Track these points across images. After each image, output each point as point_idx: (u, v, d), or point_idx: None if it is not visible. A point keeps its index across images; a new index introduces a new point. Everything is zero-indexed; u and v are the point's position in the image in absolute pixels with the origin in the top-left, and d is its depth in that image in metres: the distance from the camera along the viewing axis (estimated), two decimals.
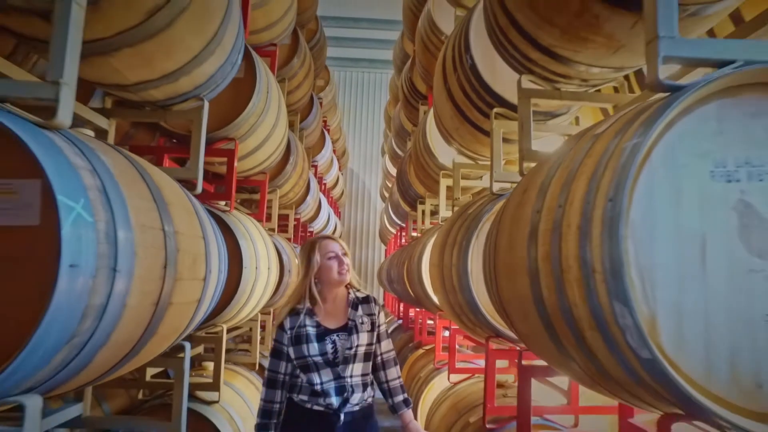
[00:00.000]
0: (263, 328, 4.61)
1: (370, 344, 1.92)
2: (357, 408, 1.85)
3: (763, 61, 1.13)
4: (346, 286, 1.98)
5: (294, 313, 1.89)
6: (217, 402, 3.00)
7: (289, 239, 5.72)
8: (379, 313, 1.99)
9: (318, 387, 1.81)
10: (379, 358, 1.98)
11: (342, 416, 1.80)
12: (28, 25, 1.51)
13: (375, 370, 1.98)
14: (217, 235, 2.27)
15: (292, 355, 1.85)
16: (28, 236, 1.21)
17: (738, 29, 1.62)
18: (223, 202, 3.44)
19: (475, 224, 2.52)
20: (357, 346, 1.86)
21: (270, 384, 1.88)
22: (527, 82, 2.27)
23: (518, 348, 2.32)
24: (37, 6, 1.37)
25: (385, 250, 12.72)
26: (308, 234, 8.22)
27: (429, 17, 4.71)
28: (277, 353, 1.89)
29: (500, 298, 1.81)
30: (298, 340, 1.84)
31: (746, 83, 1.12)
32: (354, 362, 1.85)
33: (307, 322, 1.86)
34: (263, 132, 3.38)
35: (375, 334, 1.94)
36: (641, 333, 1.02)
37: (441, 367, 4.23)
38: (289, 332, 1.86)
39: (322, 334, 1.85)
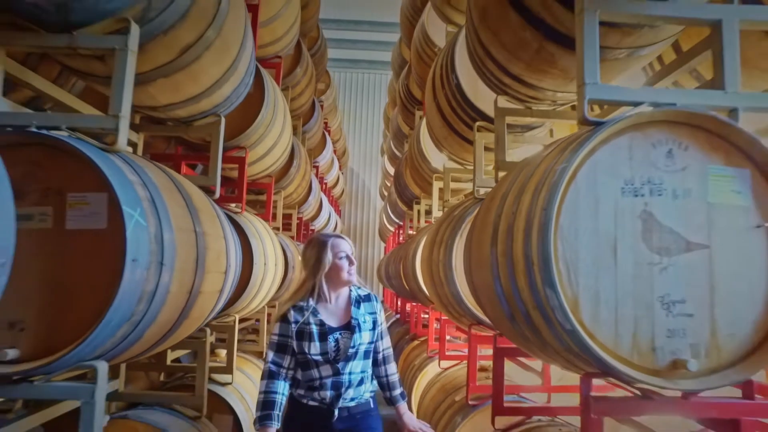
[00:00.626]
0: (269, 321, 4.96)
1: (371, 342, 1.93)
2: (353, 404, 1.87)
3: (663, 104, 1.48)
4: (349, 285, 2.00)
5: (298, 308, 1.89)
6: (230, 383, 3.35)
7: (292, 237, 6.06)
8: (380, 311, 2.01)
9: (316, 382, 1.84)
10: (380, 354, 2.02)
11: (336, 411, 1.82)
12: (87, 65, 1.86)
13: (375, 365, 2.01)
14: (233, 235, 2.62)
15: (295, 350, 1.86)
16: (98, 237, 1.55)
17: (655, 74, 1.96)
18: (233, 204, 3.78)
19: (459, 225, 2.86)
20: (359, 344, 1.87)
21: (271, 376, 1.86)
22: (503, 102, 2.61)
23: (494, 333, 2.66)
24: (99, 52, 1.71)
25: (385, 248, 13.06)
26: (310, 232, 8.55)
27: (423, 30, 5.04)
28: (281, 347, 1.88)
29: (474, 288, 2.16)
30: (301, 336, 1.85)
31: (650, 120, 1.47)
32: (354, 360, 1.86)
33: (311, 319, 1.87)
34: (270, 140, 3.73)
35: (377, 332, 1.97)
36: (565, 311, 1.37)
37: (433, 356, 4.58)
38: (293, 326, 1.86)
39: (325, 332, 1.86)
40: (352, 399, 1.87)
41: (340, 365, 1.84)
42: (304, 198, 6.57)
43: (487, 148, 3.11)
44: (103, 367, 1.59)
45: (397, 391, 2.06)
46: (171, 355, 3.20)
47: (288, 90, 5.42)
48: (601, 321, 1.41)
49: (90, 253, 1.56)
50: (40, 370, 1.49)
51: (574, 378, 2.02)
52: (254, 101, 3.41)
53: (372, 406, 1.94)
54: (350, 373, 1.86)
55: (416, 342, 5.74)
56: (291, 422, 1.89)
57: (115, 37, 1.68)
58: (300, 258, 5.60)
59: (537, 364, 3.08)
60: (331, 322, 1.89)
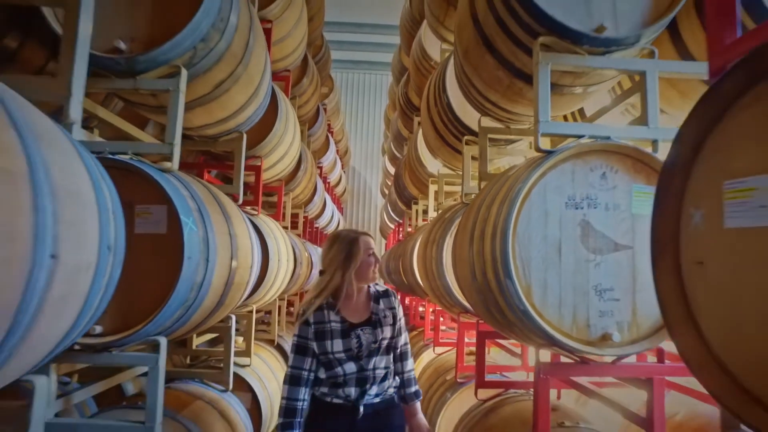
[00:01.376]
0: (280, 312, 5.42)
1: (392, 337, 1.94)
2: (377, 399, 1.87)
3: (599, 136, 1.91)
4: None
5: (317, 307, 1.89)
6: (248, 365, 3.80)
7: (299, 235, 6.50)
8: (398, 306, 2.01)
9: (339, 379, 1.83)
10: (398, 350, 2.02)
11: (361, 408, 1.82)
12: (142, 98, 2.29)
13: (393, 361, 2.00)
14: (254, 235, 3.05)
15: (316, 350, 1.85)
16: (160, 239, 1.99)
17: (596, 112, 2.39)
18: (248, 207, 4.22)
19: (448, 226, 3.30)
20: (381, 339, 1.89)
21: (293, 381, 1.86)
22: (486, 121, 3.04)
23: (477, 319, 3.11)
24: (155, 92, 2.14)
25: (385, 244, 13.50)
26: (314, 229, 8.98)
27: (420, 44, 5.46)
28: (301, 350, 1.87)
29: (458, 280, 2.60)
30: (322, 335, 1.84)
31: (588, 150, 1.90)
32: (377, 355, 1.87)
33: (332, 317, 1.86)
34: (283, 149, 4.16)
35: (396, 327, 1.98)
36: (520, 296, 1.81)
37: (429, 344, 5.03)
38: (313, 327, 1.86)
39: (347, 329, 1.86)
40: (377, 395, 1.87)
41: (363, 361, 1.84)
42: (310, 198, 7.01)
43: (474, 158, 3.53)
44: (163, 341, 2.03)
45: (412, 389, 2.04)
46: (196, 341, 3.65)
47: (295, 99, 5.84)
48: (548, 304, 1.85)
49: (154, 252, 1.99)
50: (118, 343, 1.93)
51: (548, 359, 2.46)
52: (269, 116, 3.84)
53: (396, 401, 1.96)
54: (374, 369, 1.86)
55: (414, 332, 6.19)
56: (314, 421, 1.87)
57: (169, 80, 2.11)
58: (306, 254, 6.06)
59: (519, 350, 3.53)
60: (353, 318, 1.89)
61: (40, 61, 2.44)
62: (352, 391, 1.82)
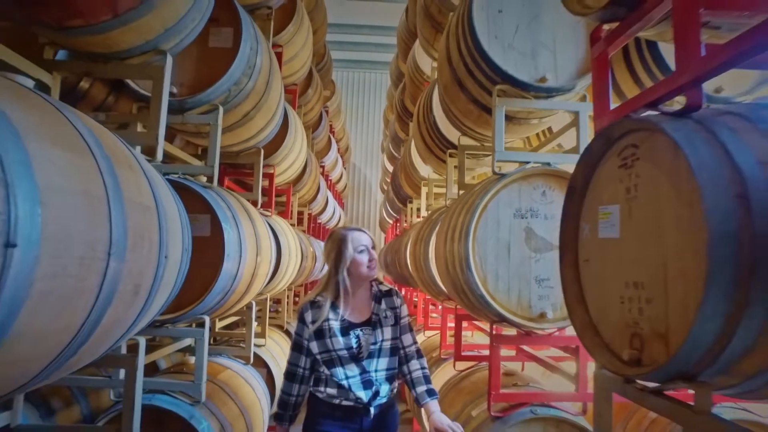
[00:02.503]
0: (287, 301, 6.05)
1: (395, 338, 1.91)
2: (385, 400, 1.87)
3: (541, 162, 2.50)
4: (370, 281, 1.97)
5: (316, 306, 1.87)
6: (264, 345, 4.42)
7: (304, 231, 7.12)
8: (401, 306, 1.98)
9: (344, 382, 1.80)
10: (402, 351, 1.96)
11: (372, 410, 1.81)
12: (185, 128, 2.89)
13: (398, 363, 1.96)
14: (270, 234, 3.66)
15: (315, 350, 1.84)
16: (205, 241, 2.59)
17: (546, 139, 2.98)
18: (263, 208, 4.82)
19: (434, 227, 3.90)
20: (382, 341, 1.85)
21: (288, 377, 1.90)
22: (465, 139, 3.63)
23: (455, 304, 3.72)
24: (201, 125, 2.74)
25: (384, 238, 14.12)
26: (317, 225, 9.58)
27: (414, 58, 6.03)
28: (297, 347, 1.90)
29: (439, 273, 3.21)
30: (321, 334, 1.83)
31: (532, 174, 2.49)
32: (379, 357, 1.84)
33: (331, 315, 1.84)
34: (292, 158, 4.76)
35: (399, 327, 1.93)
36: (477, 285, 2.41)
37: (420, 329, 5.65)
38: (310, 326, 1.84)
39: (347, 328, 1.84)
40: (385, 396, 1.87)
41: (365, 363, 1.83)
42: (314, 197, 7.61)
43: (456, 167, 4.13)
44: (207, 319, 2.64)
45: (423, 388, 1.92)
46: (218, 324, 4.27)
47: (301, 107, 6.43)
48: (500, 290, 2.46)
49: (200, 250, 2.59)
50: (173, 320, 2.54)
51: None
52: (281, 131, 4.43)
53: (394, 402, 1.96)
54: (377, 371, 1.84)
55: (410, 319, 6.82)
56: (314, 422, 1.86)
57: (209, 116, 2.71)
58: (311, 249, 6.68)
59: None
60: (352, 318, 1.88)
61: (101, 96, 3.03)
62: (364, 395, 1.80)
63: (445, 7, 4.28)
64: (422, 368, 1.97)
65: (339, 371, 1.82)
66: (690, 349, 1.20)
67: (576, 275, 1.81)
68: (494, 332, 2.48)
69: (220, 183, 4.16)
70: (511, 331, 2.61)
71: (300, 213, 7.25)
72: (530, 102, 2.56)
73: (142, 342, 1.89)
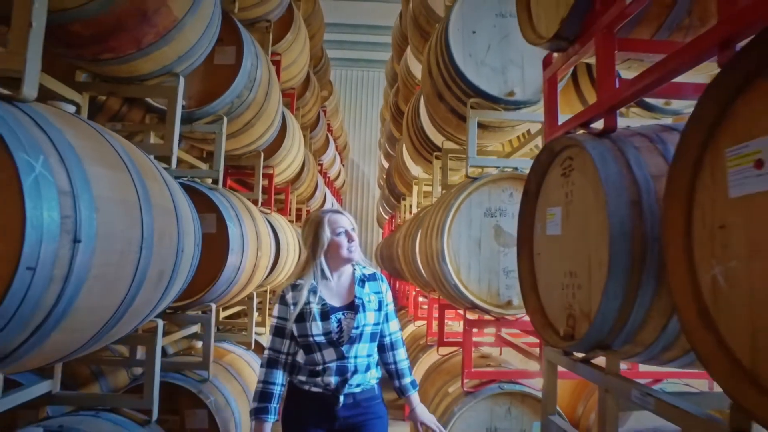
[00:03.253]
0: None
1: (377, 324, 1.85)
2: (358, 390, 1.78)
3: (509, 167, 2.82)
4: (351, 263, 1.91)
5: (297, 288, 1.81)
6: (264, 334, 4.76)
7: (300, 226, 7.45)
8: (386, 291, 1.93)
9: (319, 367, 1.75)
10: (387, 338, 1.92)
11: (341, 398, 1.74)
12: (192, 135, 3.21)
13: (382, 350, 1.92)
14: (270, 230, 3.99)
15: (295, 333, 1.77)
16: (211, 237, 2.91)
17: (513, 149, 3.30)
18: (263, 206, 5.15)
19: (420, 224, 4.23)
20: (363, 325, 1.79)
21: (270, 364, 1.80)
22: (448, 144, 3.95)
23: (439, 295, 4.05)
24: (207, 134, 3.07)
25: (382, 233, 14.44)
26: None
27: (406, 63, 6.33)
28: (279, 331, 1.81)
29: (422, 266, 3.54)
30: (302, 317, 1.77)
31: (500, 177, 2.81)
32: (359, 342, 1.78)
33: (312, 299, 1.78)
34: (290, 159, 5.08)
35: (382, 313, 1.88)
36: (451, 275, 2.74)
37: (411, 319, 6.00)
38: (293, 308, 1.78)
39: (327, 312, 1.77)
40: (358, 385, 1.79)
41: (344, 348, 1.76)
42: (312, 194, 7.94)
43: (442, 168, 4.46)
44: (214, 307, 2.98)
45: (407, 380, 1.93)
46: (222, 314, 4.60)
47: (299, 110, 6.74)
48: (472, 280, 2.79)
49: (207, 246, 2.92)
50: (184, 307, 2.87)
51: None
52: (279, 134, 4.75)
53: (377, 392, 1.87)
54: (356, 357, 1.78)
55: (402, 311, 7.16)
56: (291, 410, 1.82)
57: (214, 125, 3.03)
58: None
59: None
60: (334, 301, 1.82)
61: (116, 107, 3.35)
62: (332, 380, 1.74)
63: (432, 18, 4.59)
64: (406, 359, 1.97)
65: (316, 356, 1.76)
66: (601, 324, 1.53)
67: (531, 267, 2.13)
68: (467, 317, 2.82)
69: (224, 183, 4.49)
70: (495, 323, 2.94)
71: (299, 209, 7.57)
72: (500, 113, 2.89)
73: (161, 323, 2.22)
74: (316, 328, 1.76)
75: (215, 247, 2.90)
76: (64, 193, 1.21)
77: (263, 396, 1.77)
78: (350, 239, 1.85)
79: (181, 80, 2.33)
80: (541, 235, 2.07)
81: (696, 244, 1.19)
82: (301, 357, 1.81)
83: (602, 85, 1.70)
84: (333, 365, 1.76)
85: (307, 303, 1.79)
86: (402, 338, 2.01)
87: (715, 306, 1.13)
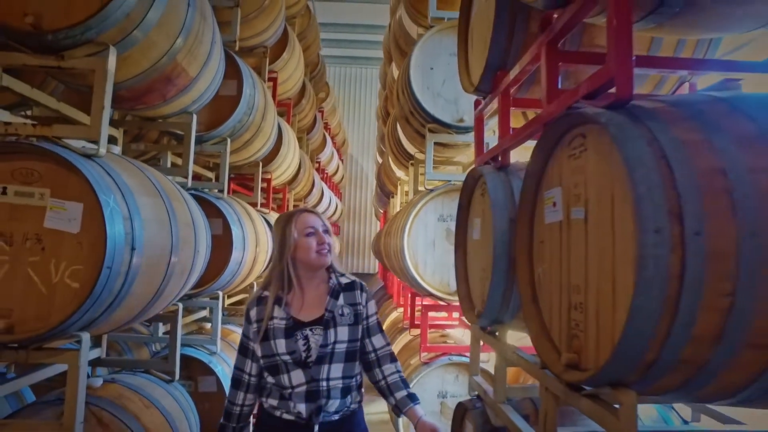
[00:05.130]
0: None
1: (353, 341, 1.65)
2: (336, 417, 1.60)
3: (459, 180, 3.48)
4: (327, 270, 1.72)
5: (262, 302, 1.65)
6: None
7: None
8: (367, 303, 1.72)
9: (287, 391, 1.58)
10: (372, 354, 1.71)
11: (316, 428, 1.56)
12: (201, 153, 3.89)
13: (368, 369, 1.73)
14: (267, 229, 4.67)
15: (259, 353, 1.61)
16: (218, 237, 3.58)
17: (467, 164, 3.94)
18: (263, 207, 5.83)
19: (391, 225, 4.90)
20: (335, 342, 1.60)
21: (233, 383, 1.68)
22: (419, 155, 4.61)
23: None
24: (213, 158, 3.74)
25: (379, 225, 15.09)
26: None
27: (391, 75, 6.96)
28: (243, 349, 1.67)
29: (393, 260, 4.22)
30: (266, 335, 1.60)
31: (451, 189, 3.47)
32: (331, 362, 1.59)
33: (276, 313, 1.60)
34: (286, 164, 5.75)
35: (360, 328, 1.68)
36: (410, 269, 3.42)
37: (396, 307, 6.69)
38: (255, 325, 1.62)
39: (292, 328, 1.59)
40: (336, 412, 1.60)
41: (313, 370, 1.57)
42: (309, 192, 8.61)
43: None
44: (221, 293, 3.66)
45: (403, 393, 1.70)
46: (227, 301, 5.30)
47: (296, 116, 7.39)
48: (428, 273, 3.46)
49: (215, 245, 3.60)
50: (197, 294, 3.56)
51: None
52: (276, 144, 5.41)
53: (360, 418, 1.69)
54: (328, 380, 1.58)
55: (389, 299, 7.87)
56: None
57: (220, 145, 3.70)
58: None
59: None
60: (302, 315, 1.62)
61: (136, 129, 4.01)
62: (303, 408, 1.55)
63: (408, 41, 5.22)
64: (398, 372, 1.74)
65: (283, 378, 1.58)
66: (491, 305, 2.19)
67: (464, 263, 2.80)
68: (423, 303, 3.50)
69: (228, 191, 5.16)
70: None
71: (296, 206, 8.25)
72: (453, 136, 3.54)
73: (181, 306, 2.91)
74: (280, 346, 1.58)
75: (221, 245, 3.57)
76: (125, 218, 1.88)
77: (226, 415, 1.71)
78: (321, 241, 1.66)
79: (194, 117, 2.99)
80: (470, 239, 2.72)
81: (534, 252, 1.86)
82: (270, 378, 1.63)
83: (501, 132, 2.36)
84: (302, 389, 1.57)
85: (272, 318, 1.61)
86: (393, 352, 1.78)
87: (539, 290, 1.80)
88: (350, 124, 17.19)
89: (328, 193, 11.72)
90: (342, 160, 15.51)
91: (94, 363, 2.67)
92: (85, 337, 1.88)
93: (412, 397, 1.70)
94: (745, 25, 1.68)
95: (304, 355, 1.59)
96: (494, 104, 2.54)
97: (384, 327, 6.38)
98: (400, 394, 1.70)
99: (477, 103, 2.80)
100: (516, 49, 2.21)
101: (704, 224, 1.11)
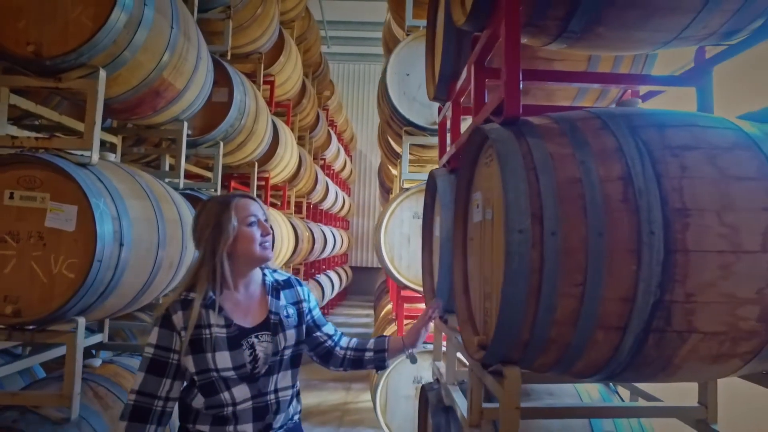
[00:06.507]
0: None
1: (299, 343, 1.47)
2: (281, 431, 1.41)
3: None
4: (260, 267, 1.48)
5: (187, 305, 1.33)
6: None
7: (302, 218, 8.44)
8: (308, 296, 1.56)
9: (227, 411, 1.32)
10: (329, 341, 1.57)
11: None
12: (196, 155, 4.20)
13: (329, 356, 1.58)
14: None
15: (191, 368, 1.32)
16: None
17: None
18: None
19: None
20: (284, 348, 1.41)
21: (135, 416, 1.28)
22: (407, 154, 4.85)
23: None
24: (209, 160, 4.05)
25: None
26: (318, 211, 10.89)
27: None
28: (156, 366, 1.31)
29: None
30: (199, 346, 1.31)
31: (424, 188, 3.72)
32: (279, 371, 1.40)
33: (213, 320, 1.33)
34: (284, 164, 6.05)
35: (304, 327, 1.51)
36: (387, 263, 3.68)
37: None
38: (183, 333, 1.31)
39: (236, 337, 1.35)
40: (282, 426, 1.42)
41: (261, 382, 1.36)
42: (312, 188, 8.91)
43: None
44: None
45: (371, 342, 1.62)
46: None
47: (296, 116, 7.68)
48: (403, 266, 3.73)
49: None
50: None
51: None
52: (273, 144, 5.71)
53: (300, 428, 1.53)
54: (276, 391, 1.40)
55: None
56: None
57: (213, 148, 4.00)
58: (306, 233, 8.03)
59: None
60: (243, 321, 1.39)
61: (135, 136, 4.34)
62: (250, 428, 1.35)
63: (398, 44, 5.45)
64: (352, 338, 1.65)
65: (223, 397, 1.33)
66: (440, 293, 2.44)
67: (430, 258, 3.05)
68: (399, 294, 3.77)
69: (228, 187, 5.48)
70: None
71: (299, 202, 8.56)
72: (426, 138, 3.79)
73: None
74: (222, 359, 1.33)
75: None
76: (114, 218, 2.18)
77: None
78: (266, 232, 1.43)
79: (185, 124, 3.29)
80: (436, 239, 2.97)
81: (467, 248, 2.10)
82: (199, 401, 1.34)
83: (453, 137, 2.60)
84: (247, 406, 1.35)
85: (207, 325, 1.33)
86: (342, 333, 1.66)
87: (470, 281, 2.05)
88: (358, 121, 17.44)
89: (333, 188, 12.01)
90: (350, 157, 15.78)
91: (97, 347, 3.00)
92: (81, 321, 2.19)
93: (381, 337, 1.64)
94: (646, 46, 1.91)
95: (250, 367, 1.35)
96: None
97: (377, 318, 6.70)
98: (370, 343, 1.61)
99: (439, 110, 3.04)
100: (465, 61, 2.45)
101: (560, 225, 1.36)
